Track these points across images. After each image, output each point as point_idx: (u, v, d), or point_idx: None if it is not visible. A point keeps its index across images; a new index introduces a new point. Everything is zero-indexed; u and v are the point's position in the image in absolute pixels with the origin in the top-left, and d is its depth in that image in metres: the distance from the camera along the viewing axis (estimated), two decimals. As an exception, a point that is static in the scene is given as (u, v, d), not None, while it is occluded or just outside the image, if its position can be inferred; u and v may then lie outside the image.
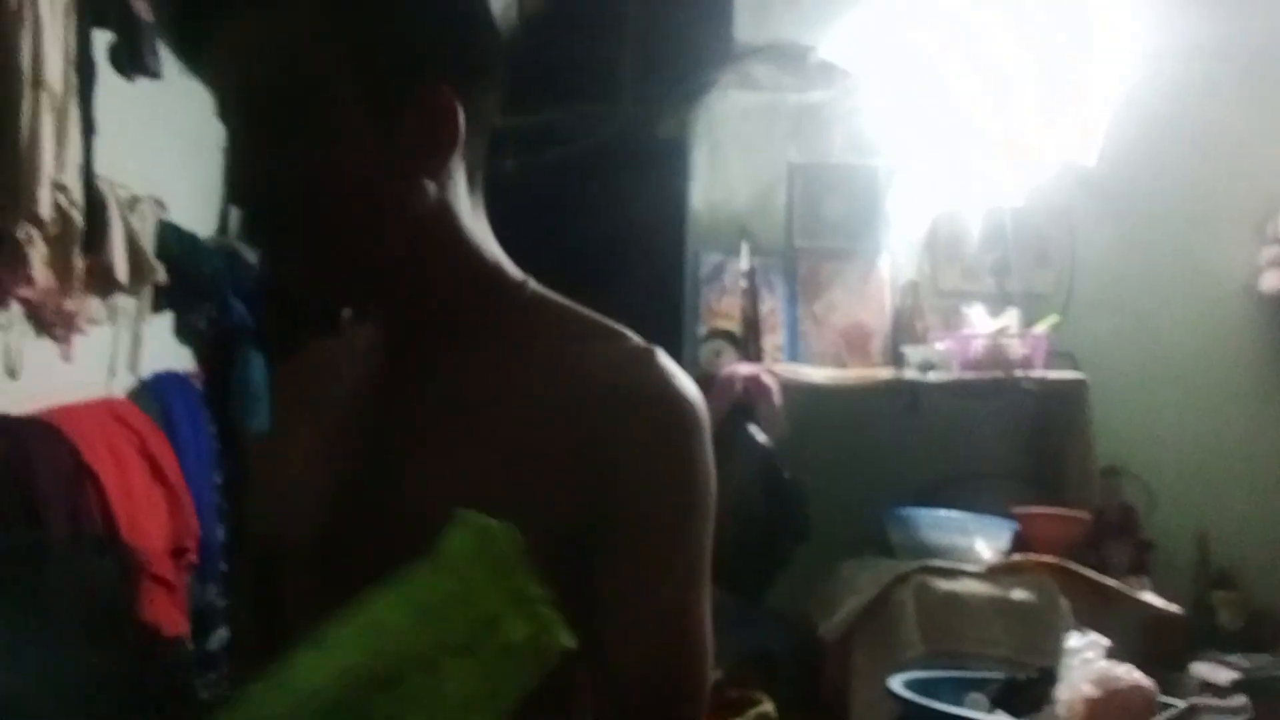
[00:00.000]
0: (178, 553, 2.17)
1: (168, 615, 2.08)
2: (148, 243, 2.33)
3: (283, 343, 2.93)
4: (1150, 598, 2.40)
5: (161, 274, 2.34)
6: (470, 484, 0.81)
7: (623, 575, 0.84)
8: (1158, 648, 2.48)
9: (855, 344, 2.87)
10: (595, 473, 0.82)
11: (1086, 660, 1.40)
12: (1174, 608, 2.38)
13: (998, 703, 1.44)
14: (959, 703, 1.45)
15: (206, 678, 2.44)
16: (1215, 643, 2.58)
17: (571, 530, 0.82)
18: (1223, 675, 2.39)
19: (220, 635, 2.48)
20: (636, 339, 0.90)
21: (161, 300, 2.54)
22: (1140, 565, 2.71)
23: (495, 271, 0.91)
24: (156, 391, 2.43)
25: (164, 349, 2.63)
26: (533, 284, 0.94)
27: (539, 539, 0.76)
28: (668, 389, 0.88)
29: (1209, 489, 2.84)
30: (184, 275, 2.53)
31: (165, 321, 2.65)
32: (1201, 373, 2.90)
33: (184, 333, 2.72)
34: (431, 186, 0.83)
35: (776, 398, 2.58)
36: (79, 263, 1.95)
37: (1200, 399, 2.89)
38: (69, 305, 2.01)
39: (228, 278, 2.71)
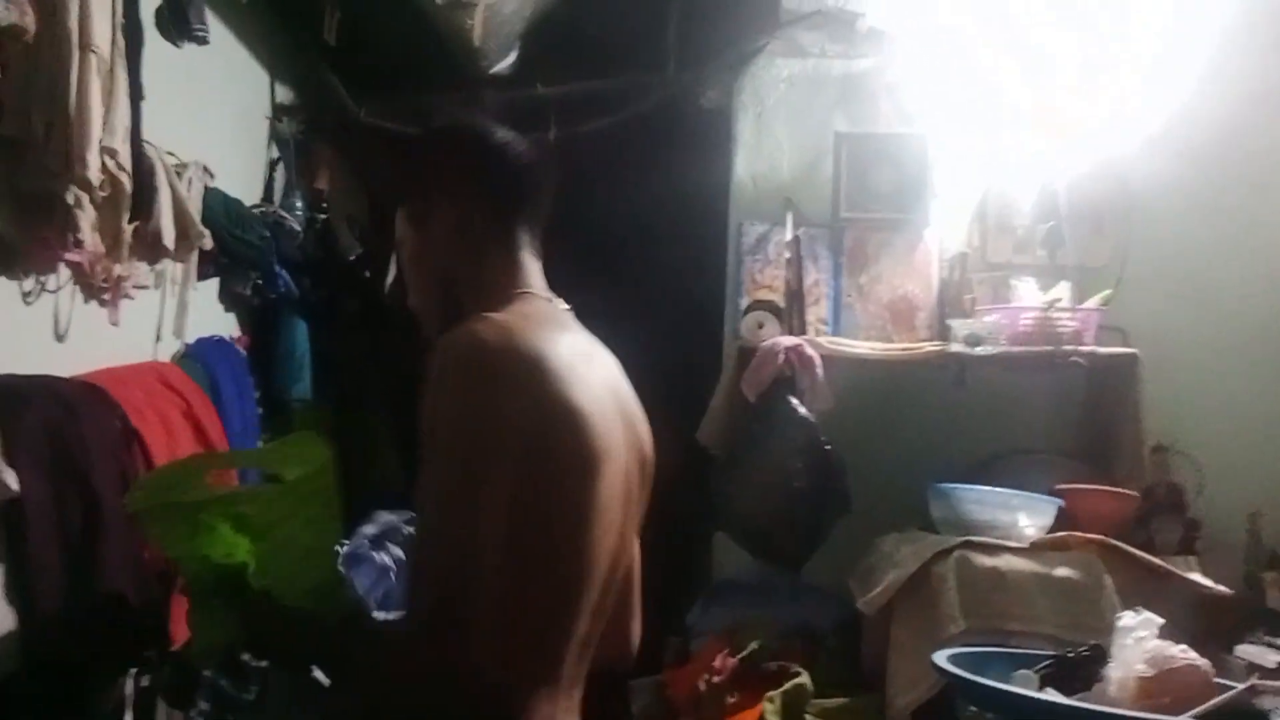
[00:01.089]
0: (223, 516, 2.20)
1: (213, 576, 2.10)
2: (195, 209, 2.35)
3: (325, 312, 2.97)
4: (1198, 577, 2.34)
5: (208, 240, 2.36)
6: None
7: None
8: (1205, 628, 2.43)
9: (901, 317, 2.82)
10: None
11: (1140, 639, 1.37)
12: (1222, 588, 2.32)
13: (1047, 680, 1.42)
14: (1006, 679, 1.43)
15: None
16: (1265, 624, 2.53)
17: None
18: (1271, 658, 2.34)
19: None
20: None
21: (208, 267, 2.57)
22: (1189, 544, 2.65)
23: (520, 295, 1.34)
24: (201, 356, 2.45)
25: (209, 315, 2.66)
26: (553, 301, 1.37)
27: None
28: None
29: (1261, 468, 2.77)
30: (230, 242, 2.55)
31: (211, 288, 2.68)
32: (1257, 349, 2.82)
33: (229, 299, 2.76)
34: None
35: (819, 370, 2.55)
36: (127, 228, 1.97)
37: (1255, 376, 2.81)
38: (117, 270, 2.04)
39: (273, 246, 2.73)
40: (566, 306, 1.38)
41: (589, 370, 1.27)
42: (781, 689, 2.23)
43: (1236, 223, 2.84)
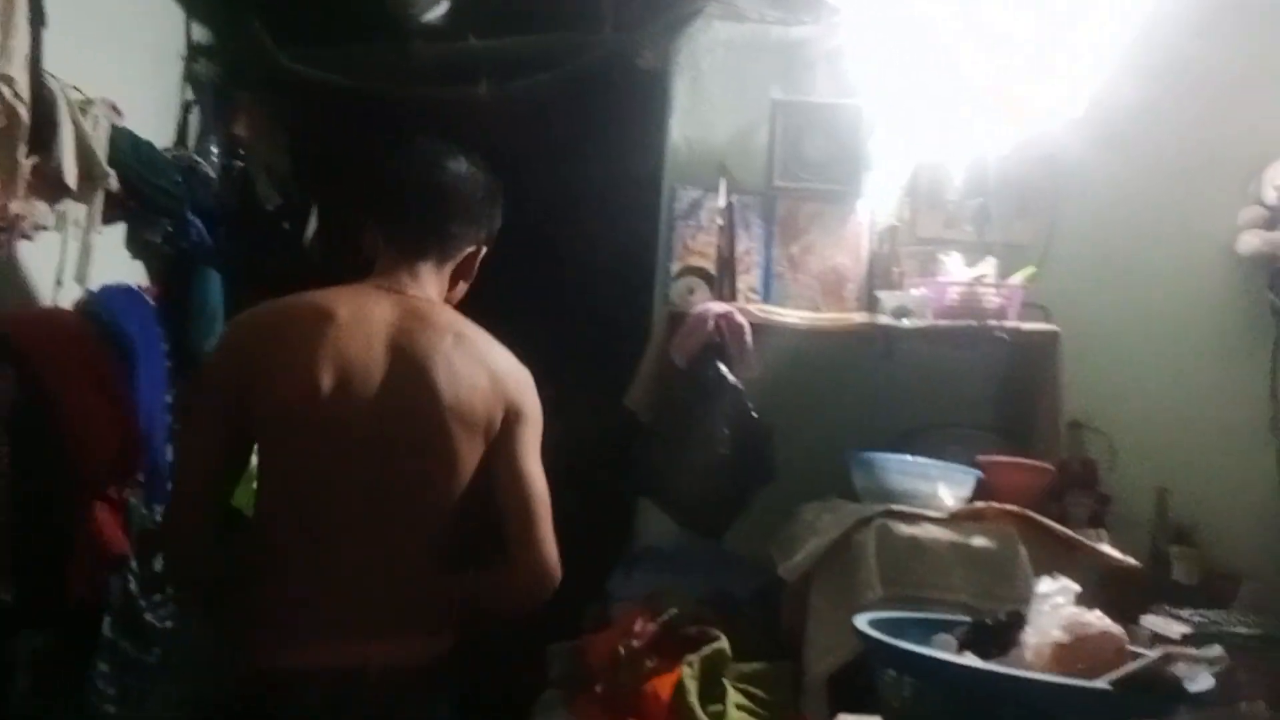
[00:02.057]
0: (124, 471, 2.10)
1: (112, 535, 2.02)
2: (100, 148, 2.23)
3: (241, 265, 2.85)
4: (1108, 549, 2.40)
5: (114, 181, 2.25)
6: None
7: None
8: (1113, 599, 2.50)
9: (831, 288, 2.83)
10: None
11: (1056, 605, 1.38)
12: (1131, 560, 2.38)
13: (965, 645, 1.43)
14: (925, 644, 1.44)
15: (151, 599, 2.38)
16: (1170, 597, 2.61)
17: None
18: (1175, 628, 2.41)
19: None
20: None
21: (115, 211, 2.44)
22: (1099, 518, 2.72)
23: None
24: (106, 305, 2.33)
25: (116, 262, 2.54)
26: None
27: None
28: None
29: (1171, 447, 2.86)
30: (139, 186, 2.43)
31: (118, 234, 2.56)
32: (1173, 331, 2.90)
33: (138, 247, 2.63)
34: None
35: (748, 338, 2.54)
36: (24, 162, 1.86)
37: (1170, 357, 2.89)
38: (14, 208, 1.92)
39: (185, 193, 2.61)
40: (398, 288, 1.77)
41: (315, 334, 1.62)
42: (700, 654, 2.22)
43: (1156, 207, 2.90)
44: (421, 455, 1.63)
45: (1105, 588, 2.45)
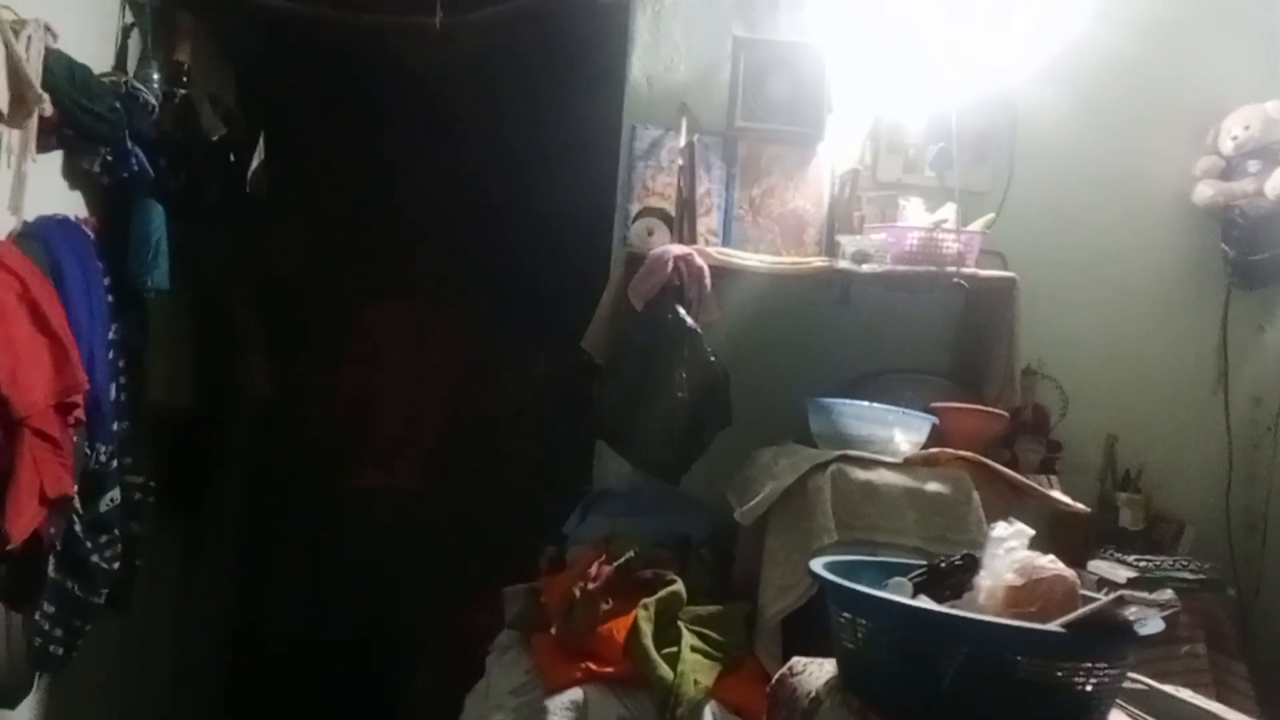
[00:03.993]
0: (63, 409, 2.03)
1: (52, 473, 1.95)
2: (34, 71, 2.12)
3: (184, 197, 2.75)
4: (1058, 494, 2.44)
5: (48, 106, 2.15)
6: None
7: None
8: (1062, 544, 2.54)
9: (791, 232, 2.80)
10: None
11: (1010, 549, 1.39)
12: (1080, 505, 2.42)
13: (920, 588, 1.44)
14: (879, 587, 1.44)
15: (97, 540, 2.33)
16: (1116, 542, 2.67)
17: None
18: (1120, 573, 2.47)
19: (111, 497, 2.37)
20: None
21: (50, 138, 2.33)
22: (1050, 465, 2.77)
23: None
24: (41, 236, 2.24)
25: (53, 192, 2.43)
26: None
27: None
28: None
29: (1122, 394, 2.90)
30: (75, 112, 2.32)
31: (54, 162, 2.45)
32: (1127, 280, 2.92)
33: (75, 176, 2.53)
34: None
35: (707, 281, 2.51)
36: (-50, 82, 1.76)
37: (1123, 306, 2.92)
38: (-61, 131, 1.82)
39: (124, 120, 2.50)
40: None
41: None
42: (655, 596, 2.23)
43: (1113, 155, 2.92)
44: None
45: (1054, 532, 2.51)
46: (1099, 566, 2.52)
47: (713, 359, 2.48)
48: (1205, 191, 2.84)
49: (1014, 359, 2.61)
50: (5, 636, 2.13)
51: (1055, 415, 2.85)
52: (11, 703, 2.23)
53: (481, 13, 2.92)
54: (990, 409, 2.52)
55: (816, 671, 1.55)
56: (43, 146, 2.29)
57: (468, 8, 2.92)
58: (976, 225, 2.68)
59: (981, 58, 2.71)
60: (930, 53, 2.73)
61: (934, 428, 2.43)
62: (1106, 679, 1.29)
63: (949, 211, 2.68)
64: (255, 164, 3.01)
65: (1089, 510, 2.46)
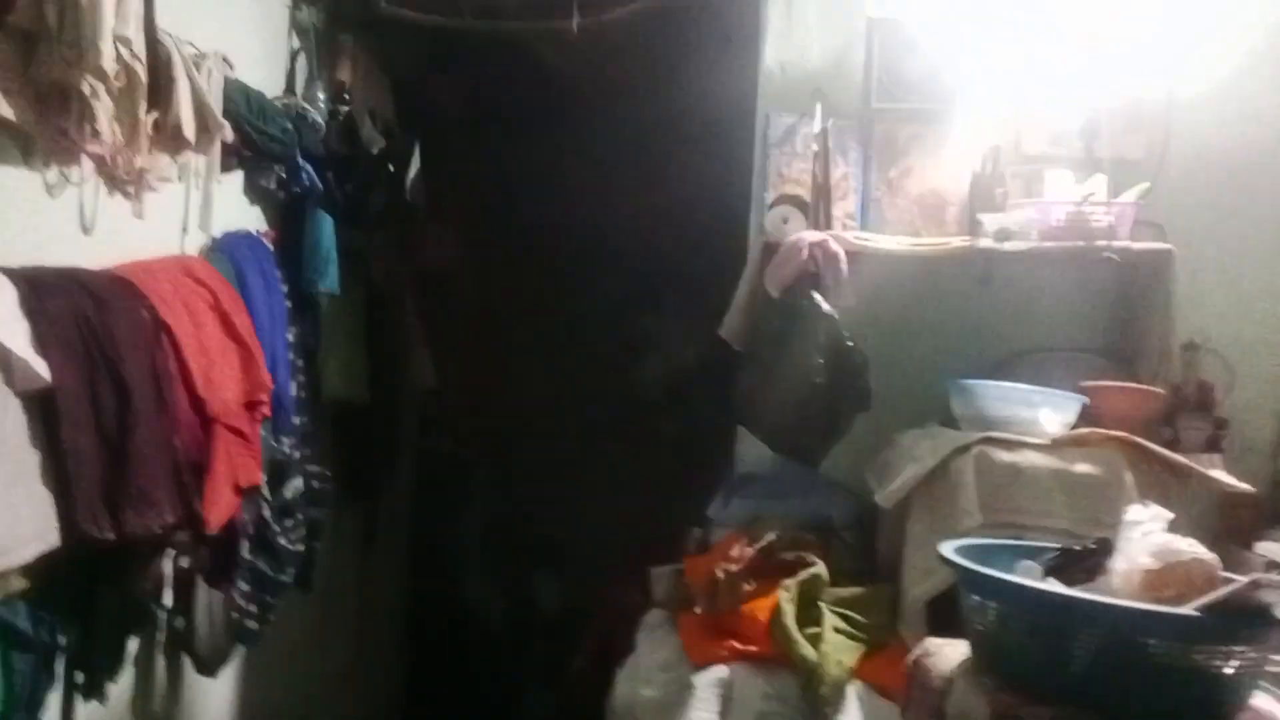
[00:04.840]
0: (251, 406, 2.25)
1: (243, 465, 2.17)
2: (215, 100, 2.33)
3: (350, 206, 2.97)
4: (1220, 475, 2.33)
5: (229, 132, 2.36)
6: None
7: None
8: (1227, 526, 2.43)
9: (931, 212, 2.77)
10: None
11: (1147, 532, 1.37)
12: (1244, 485, 2.31)
13: (1051, 571, 1.43)
14: (1012, 570, 1.45)
15: (284, 525, 2.56)
16: (1288, 523, 2.52)
17: None
18: (1292, 555, 2.34)
19: (295, 485, 2.59)
20: None
21: (231, 160, 2.56)
22: (1214, 443, 2.63)
23: None
24: (228, 249, 2.47)
25: (235, 209, 2.67)
26: None
27: None
28: None
29: (1294, 368, 2.73)
30: (252, 135, 2.54)
31: (236, 182, 2.69)
32: (1295, 246, 2.75)
33: (254, 193, 2.76)
34: None
35: (844, 266, 2.52)
36: (145, 118, 1.97)
37: (1291, 274, 2.75)
38: (138, 162, 2.04)
39: (295, 139, 2.72)
40: None
41: None
42: (797, 578, 2.28)
43: (1270, 120, 2.74)
44: None
45: (1220, 514, 2.40)
46: (1268, 548, 2.39)
47: (850, 343, 2.49)
48: (1386, 147, 2.63)
49: (1170, 333, 2.51)
50: (208, 612, 2.38)
51: (1221, 391, 2.71)
52: (213, 672, 2.48)
53: (616, 13, 3.02)
54: (1143, 387, 2.44)
55: (950, 653, 1.57)
56: (224, 167, 2.52)
57: (603, 8, 3.02)
58: (1129, 196, 2.58)
59: (1127, 32, 2.61)
60: (1069, 26, 2.64)
61: (1084, 408, 2.37)
62: (1247, 662, 1.26)
63: (1098, 183, 2.59)
64: (413, 172, 3.20)
65: (1254, 490, 2.34)
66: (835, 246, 2.52)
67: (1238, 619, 1.22)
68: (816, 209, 2.67)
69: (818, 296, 2.49)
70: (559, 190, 4.00)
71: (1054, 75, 2.75)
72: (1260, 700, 1.35)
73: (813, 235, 2.54)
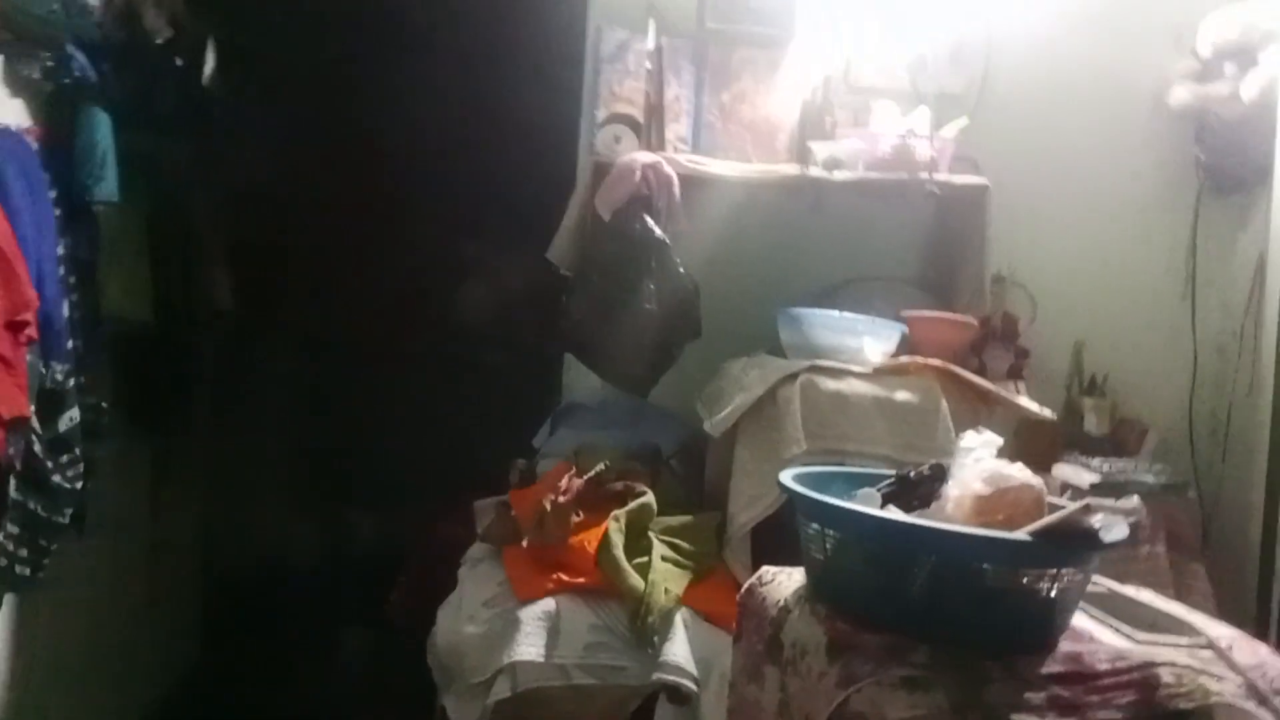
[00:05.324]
0: (13, 327, 1.97)
1: (6, 393, 1.90)
2: (-38, -30, 1.99)
3: (130, 104, 2.64)
4: (1025, 401, 2.45)
5: (-20, 8, 2.02)
6: None
7: None
8: (1028, 450, 2.57)
9: (762, 138, 2.74)
10: None
11: (979, 459, 1.39)
12: (1047, 411, 2.44)
13: (888, 498, 1.44)
14: (848, 498, 1.44)
15: (58, 460, 2.30)
16: (1081, 447, 2.70)
17: None
18: (1084, 477, 2.50)
19: (70, 416, 2.32)
20: None
21: (-14, 44, 2.22)
22: (1017, 371, 2.78)
23: None
24: (-19, 147, 2.14)
25: (-9, 100, 2.32)
26: None
27: None
28: None
29: (1090, 300, 2.91)
30: (12, 15, 2.20)
31: (-8, 69, 2.33)
32: (1099, 185, 2.90)
33: (15, 83, 2.41)
34: None
35: (676, 189, 2.46)
36: None
37: (1096, 211, 2.91)
38: None
39: (65, 23, 2.37)
40: None
41: None
42: (626, 508, 2.24)
43: (1088, 59, 2.87)
44: None
45: (1022, 438, 2.53)
46: (1064, 471, 2.55)
47: (682, 270, 2.45)
48: (1181, 94, 2.80)
49: (984, 266, 2.60)
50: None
51: (1024, 322, 2.86)
52: (-20, 622, 2.22)
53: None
54: (960, 317, 2.52)
55: (785, 581, 1.56)
56: (-22, 52, 2.18)
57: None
58: (949, 130, 2.64)
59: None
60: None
61: (904, 336, 2.43)
62: (1071, 584, 1.30)
63: (922, 116, 2.62)
64: (208, 69, 2.88)
65: (1054, 416, 2.48)
66: (669, 169, 2.45)
67: (1068, 542, 1.25)
68: (649, 129, 2.59)
69: (650, 220, 2.42)
70: (376, 103, 3.73)
71: (885, 7, 2.76)
72: (1080, 620, 1.40)
73: (646, 157, 2.46)
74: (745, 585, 1.67)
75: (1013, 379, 2.72)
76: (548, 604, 2.12)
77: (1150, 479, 2.54)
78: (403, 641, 2.47)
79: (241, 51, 3.16)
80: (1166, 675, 1.25)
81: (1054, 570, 1.28)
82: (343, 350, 4.06)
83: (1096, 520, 1.23)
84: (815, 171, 2.53)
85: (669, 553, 2.23)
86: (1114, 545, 1.28)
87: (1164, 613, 1.52)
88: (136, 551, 3.21)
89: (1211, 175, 2.82)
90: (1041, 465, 2.53)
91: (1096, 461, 2.57)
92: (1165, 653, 1.32)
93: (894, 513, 1.38)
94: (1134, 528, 2.39)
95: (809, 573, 1.49)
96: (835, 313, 2.40)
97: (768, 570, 1.63)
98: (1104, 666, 1.27)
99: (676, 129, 2.70)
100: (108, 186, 2.45)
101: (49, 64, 2.38)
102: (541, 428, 2.73)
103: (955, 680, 1.21)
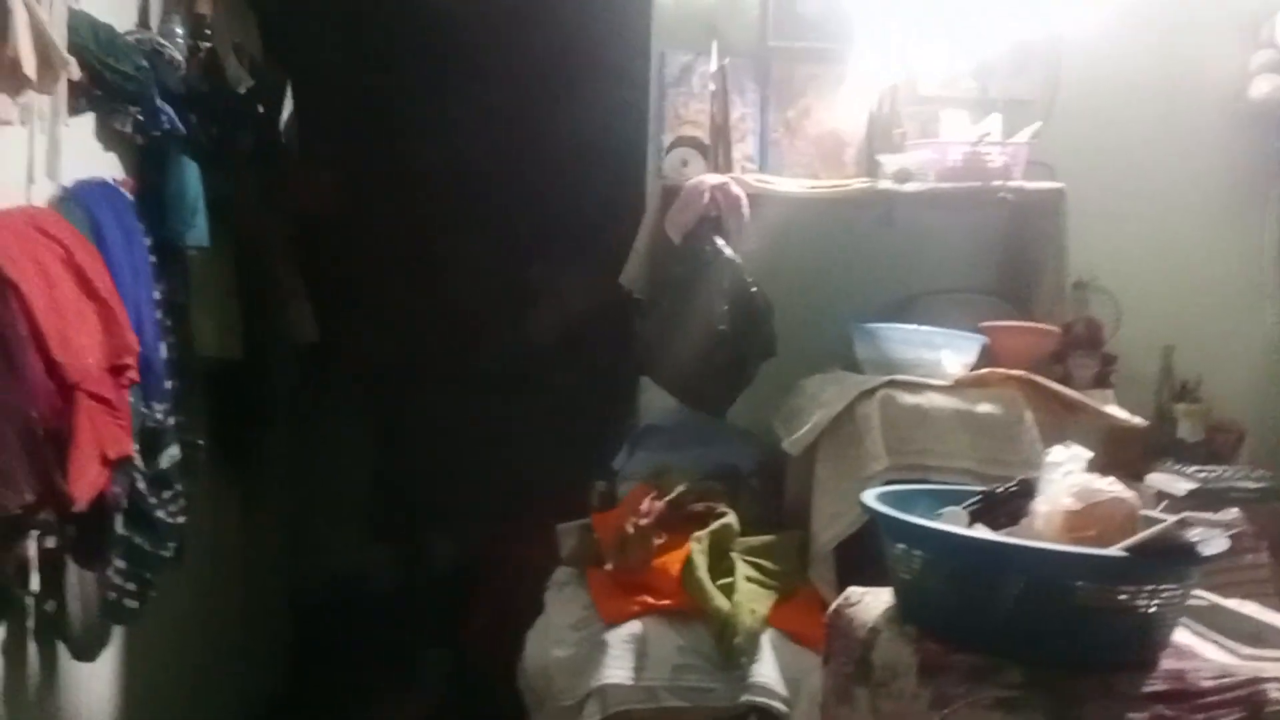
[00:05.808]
0: (116, 370, 2.06)
1: (111, 434, 1.99)
2: (58, 34, 2.10)
3: (216, 151, 2.75)
4: (1113, 410, 2.39)
5: (75, 69, 2.12)
6: None
7: None
8: (1119, 459, 2.51)
9: (829, 153, 2.74)
10: None
11: (1067, 473, 1.37)
12: (1136, 419, 2.38)
13: (976, 516, 1.42)
14: (934, 516, 1.43)
15: (161, 496, 2.39)
16: (1175, 454, 2.62)
17: None
18: (1180, 485, 2.43)
19: (171, 454, 2.41)
20: None
21: (80, 101, 2.33)
22: (1104, 379, 2.71)
23: None
24: (81, 200, 2.24)
25: (88, 155, 2.43)
26: None
27: None
28: None
29: (1177, 303, 2.83)
30: (102, 73, 2.31)
31: (87, 125, 2.45)
32: (1180, 184, 2.83)
33: (108, 137, 2.52)
34: None
35: (745, 209, 2.47)
36: (-23, 53, 1.75)
37: (1176, 212, 2.83)
38: (-29, 102, 1.82)
39: (152, 78, 2.48)
40: None
41: None
42: (708, 529, 2.25)
43: (1162, 58, 2.80)
44: None
45: (1111, 447, 2.46)
46: (1157, 480, 2.48)
47: (754, 289, 2.45)
48: (1263, 86, 2.72)
49: (1063, 272, 2.56)
50: (81, 594, 2.20)
51: (1109, 328, 2.79)
52: (91, 656, 2.31)
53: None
54: (1039, 325, 2.48)
55: (873, 602, 1.55)
56: (74, 110, 2.28)
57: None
58: (1022, 136, 2.60)
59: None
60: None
61: (983, 347, 2.40)
62: (1170, 600, 1.27)
63: (993, 123, 2.59)
64: (286, 114, 2.99)
65: (1145, 423, 2.42)
66: (736, 190, 2.46)
67: (1164, 558, 1.23)
68: (716, 151, 2.61)
69: (720, 241, 2.43)
70: (444, 132, 3.81)
71: (948, 15, 2.73)
72: (1181, 635, 1.37)
73: (713, 178, 2.48)
74: (832, 606, 1.66)
75: (1099, 387, 2.66)
76: (634, 626, 2.14)
77: (1249, 485, 2.45)
78: (485, 664, 2.50)
79: (312, 95, 3.27)
80: (1274, 691, 1.21)
81: (1151, 587, 1.25)
82: (416, 375, 4.13)
83: (1195, 534, 1.20)
84: (885, 184, 2.51)
85: (753, 573, 2.23)
86: (1213, 559, 1.25)
87: (1269, 625, 1.47)
88: (229, 584, 3.31)
89: (1296, 169, 2.73)
90: (1134, 475, 2.47)
91: (1192, 469, 2.50)
92: (1272, 668, 1.27)
93: (982, 531, 1.36)
94: (1235, 538, 2.33)
95: (897, 593, 1.48)
96: (911, 326, 2.38)
97: (855, 591, 1.62)
98: (1208, 684, 1.23)
99: (743, 149, 2.71)
100: (199, 233, 2.56)
101: (138, 117, 2.49)
102: (621, 450, 2.75)
103: (1051, 700, 1.19)
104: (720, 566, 2.21)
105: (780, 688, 2.03)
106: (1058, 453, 1.42)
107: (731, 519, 2.28)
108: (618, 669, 2.06)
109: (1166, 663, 1.28)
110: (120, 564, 2.31)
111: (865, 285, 2.73)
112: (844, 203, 2.58)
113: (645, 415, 2.83)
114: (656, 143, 2.77)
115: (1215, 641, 1.37)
